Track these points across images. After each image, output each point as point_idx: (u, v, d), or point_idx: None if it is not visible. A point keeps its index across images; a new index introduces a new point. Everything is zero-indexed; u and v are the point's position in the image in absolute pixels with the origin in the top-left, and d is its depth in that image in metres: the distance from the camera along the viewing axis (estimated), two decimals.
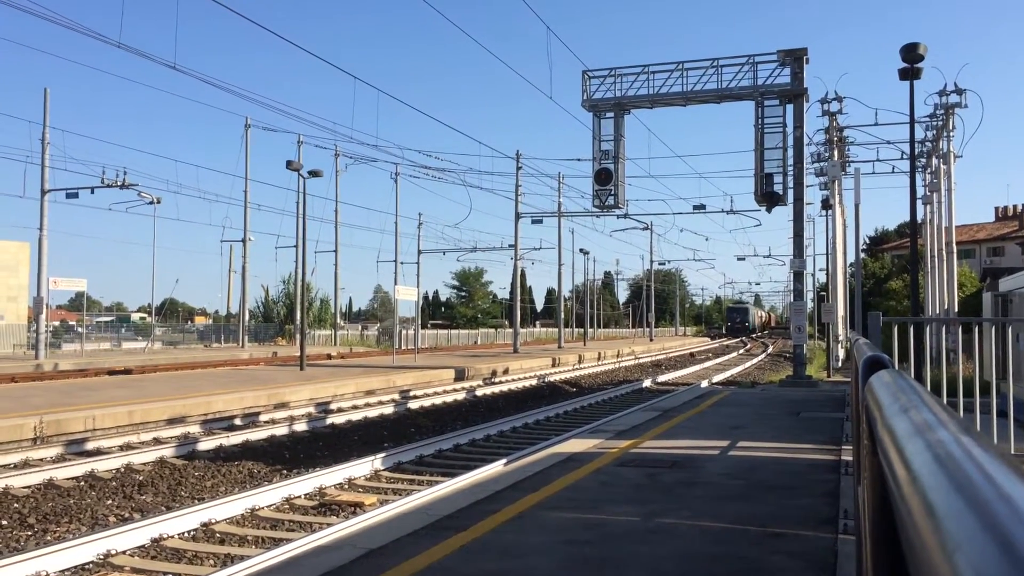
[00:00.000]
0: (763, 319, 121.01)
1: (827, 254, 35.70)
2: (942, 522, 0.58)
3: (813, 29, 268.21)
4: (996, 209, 73.55)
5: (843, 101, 29.80)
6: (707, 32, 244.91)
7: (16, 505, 9.07)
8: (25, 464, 11.25)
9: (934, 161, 30.90)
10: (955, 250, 28.74)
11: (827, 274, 37.14)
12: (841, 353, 30.86)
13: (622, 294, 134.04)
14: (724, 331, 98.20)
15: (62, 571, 6.74)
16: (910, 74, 17.55)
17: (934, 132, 29.94)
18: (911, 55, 17.29)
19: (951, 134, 27.77)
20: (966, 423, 0.91)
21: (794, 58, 22.48)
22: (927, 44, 17.34)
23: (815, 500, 6.84)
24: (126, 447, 12.73)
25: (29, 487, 9.82)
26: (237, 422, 15.46)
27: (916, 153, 20.32)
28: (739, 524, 5.97)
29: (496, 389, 23.30)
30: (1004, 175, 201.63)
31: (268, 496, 9.28)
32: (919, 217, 26.33)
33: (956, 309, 28.82)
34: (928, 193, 31.57)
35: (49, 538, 7.97)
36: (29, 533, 8.19)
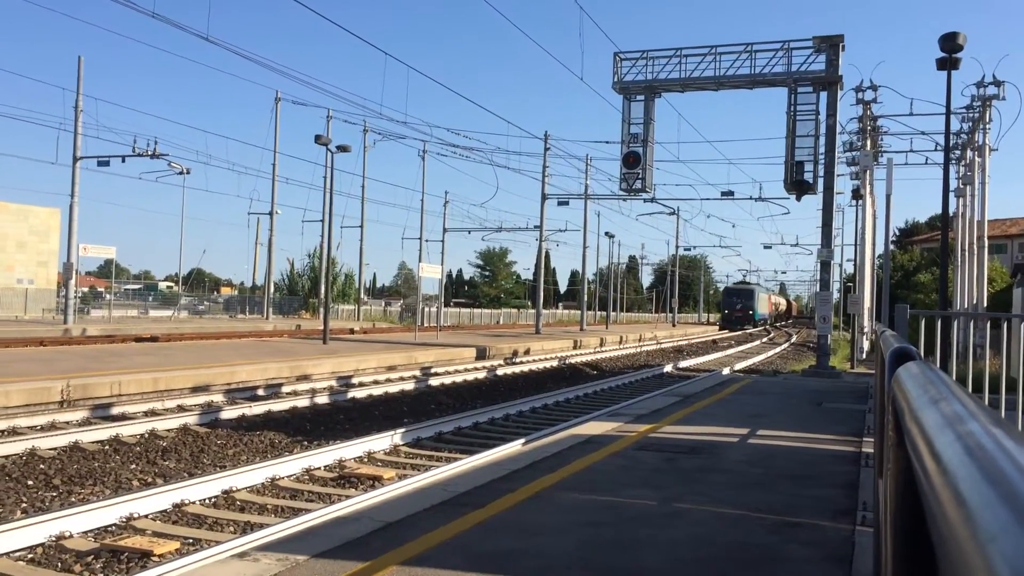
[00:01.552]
0: (778, 306, 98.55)
1: (855, 244, 35.36)
2: (974, 514, 0.57)
3: (849, 16, 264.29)
4: None
5: (878, 90, 29.33)
6: (741, 17, 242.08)
7: (42, 466, 9.24)
8: (52, 426, 11.44)
9: (968, 153, 30.40)
10: (986, 244, 28.30)
11: (855, 265, 36.79)
12: (866, 345, 30.57)
13: (646, 279, 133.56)
14: (720, 322, 75.17)
15: (85, 532, 6.86)
16: (948, 64, 17.26)
17: (970, 124, 29.43)
18: (950, 45, 16.99)
19: (987, 127, 27.28)
20: (996, 415, 0.90)
21: (829, 45, 22.14)
22: (966, 33, 17.03)
23: (834, 491, 6.81)
24: (150, 413, 12.91)
25: (55, 449, 9.99)
26: (260, 392, 15.62)
27: (950, 145, 20.01)
28: (756, 512, 5.96)
29: (517, 369, 23.35)
30: None
31: (288, 466, 9.38)
32: (951, 210, 25.99)
33: (985, 304, 28.44)
34: (961, 186, 31.08)
35: (73, 499, 8.11)
36: (54, 494, 8.34)
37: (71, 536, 6.69)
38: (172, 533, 7.07)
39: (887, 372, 2.14)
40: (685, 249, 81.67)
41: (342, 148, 28.80)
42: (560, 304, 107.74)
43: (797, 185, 22.66)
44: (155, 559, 6.29)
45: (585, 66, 41.08)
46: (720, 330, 67.50)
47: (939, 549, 0.65)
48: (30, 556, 6.39)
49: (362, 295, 58.02)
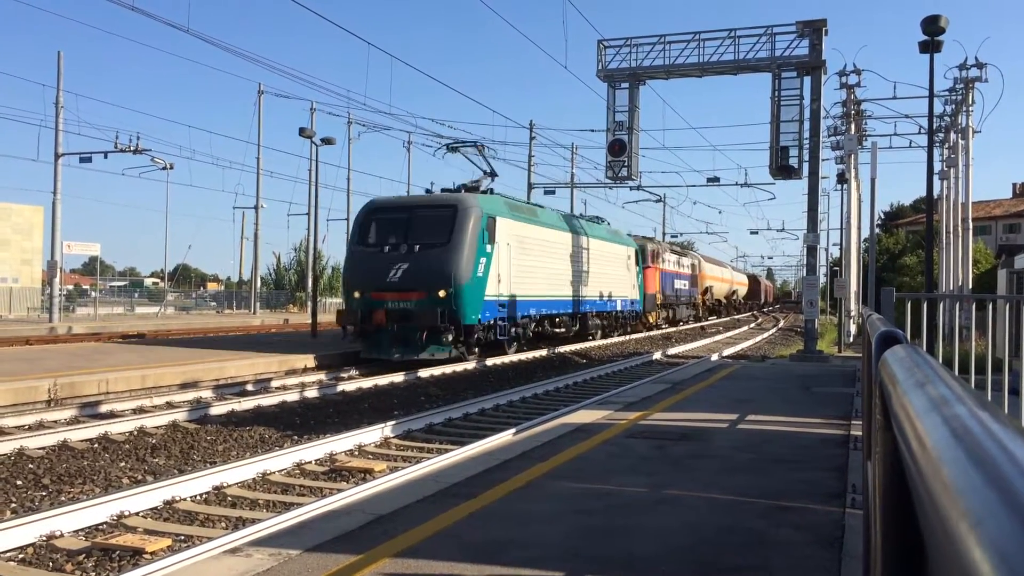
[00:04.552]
0: (708, 286, 52.32)
1: (841, 228, 35.52)
2: (961, 497, 0.57)
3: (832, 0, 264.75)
4: (1014, 185, 72.91)
5: (861, 74, 29.47)
6: (724, 3, 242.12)
7: (31, 466, 9.18)
8: (40, 426, 11.38)
9: (952, 136, 30.57)
10: (971, 226, 28.52)
11: (841, 249, 36.96)
12: (853, 328, 30.76)
13: None
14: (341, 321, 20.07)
15: (76, 531, 6.83)
16: (930, 47, 17.32)
17: (953, 106, 29.59)
18: (932, 28, 17.05)
19: (970, 109, 27.46)
20: (983, 398, 0.90)
21: (813, 29, 22.18)
22: (948, 16, 17.10)
23: (823, 474, 6.86)
24: (139, 410, 12.85)
25: (43, 448, 9.93)
26: (249, 388, 15.57)
27: (934, 128, 20.10)
28: (747, 497, 5.99)
29: (506, 359, 23.35)
30: (1023, 151, 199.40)
31: (279, 461, 9.36)
32: (935, 192, 26.12)
33: (970, 286, 28.66)
34: (945, 168, 31.27)
35: (63, 499, 8.07)
36: (43, 494, 8.29)
37: (62, 535, 6.66)
38: (163, 530, 7.05)
39: (874, 355, 2.15)
40: (672, 236, 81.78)
41: (326, 141, 28.67)
42: None
43: (782, 170, 22.73)
44: (147, 556, 6.27)
45: (569, 54, 41.27)
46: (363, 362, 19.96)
47: (927, 532, 0.65)
48: (21, 556, 6.36)
49: None
